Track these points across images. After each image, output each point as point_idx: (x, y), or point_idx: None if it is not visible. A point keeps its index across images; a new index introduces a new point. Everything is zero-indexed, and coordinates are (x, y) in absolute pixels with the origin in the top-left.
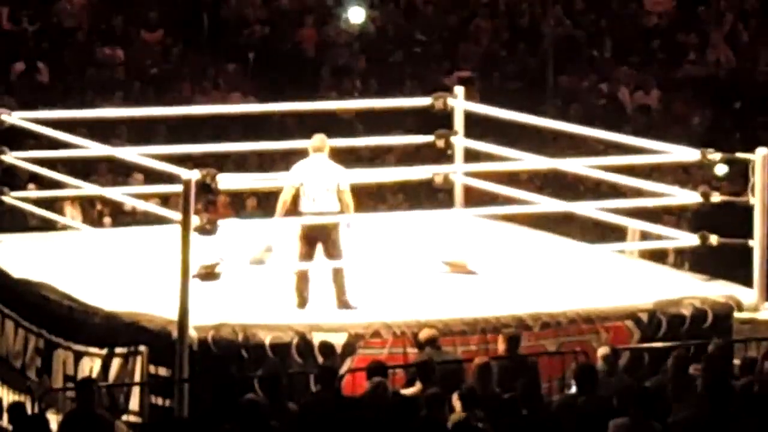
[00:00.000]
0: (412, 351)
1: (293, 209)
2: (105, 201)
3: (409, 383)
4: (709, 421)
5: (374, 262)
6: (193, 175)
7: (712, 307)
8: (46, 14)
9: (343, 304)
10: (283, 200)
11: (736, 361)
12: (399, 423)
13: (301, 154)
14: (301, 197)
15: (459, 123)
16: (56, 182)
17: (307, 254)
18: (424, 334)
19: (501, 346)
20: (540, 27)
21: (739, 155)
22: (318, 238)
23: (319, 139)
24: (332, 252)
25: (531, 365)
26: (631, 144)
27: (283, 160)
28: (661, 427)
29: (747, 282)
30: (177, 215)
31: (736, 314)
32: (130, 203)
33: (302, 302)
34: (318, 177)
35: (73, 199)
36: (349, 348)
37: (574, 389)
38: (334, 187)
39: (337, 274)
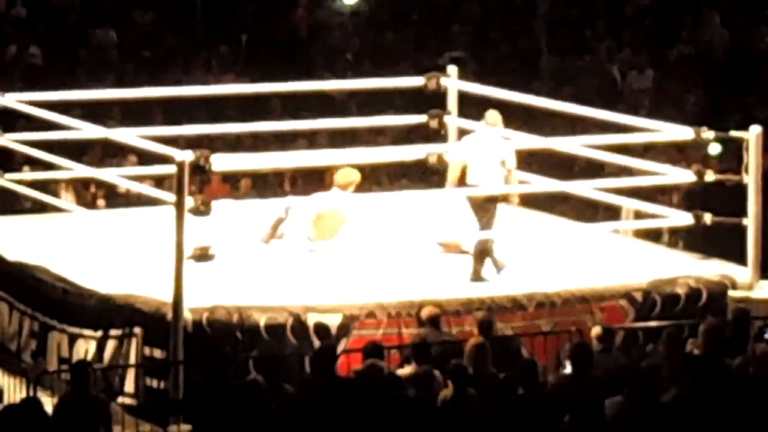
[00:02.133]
0: (406, 331)
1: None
2: (99, 183)
3: (405, 364)
4: (700, 400)
5: (368, 242)
6: (187, 156)
7: (707, 285)
8: None
9: (477, 276)
10: (452, 172)
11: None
12: (392, 403)
13: (294, 135)
14: (468, 170)
15: (452, 103)
16: (50, 164)
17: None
18: (426, 312)
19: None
20: (533, 6)
21: (733, 134)
22: (478, 210)
23: (491, 114)
24: (484, 225)
25: (511, 346)
26: (625, 123)
27: (276, 141)
28: (655, 406)
29: (741, 260)
30: (171, 196)
31: (731, 293)
32: (124, 185)
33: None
34: (485, 151)
35: (68, 182)
36: (344, 329)
37: (568, 369)
38: (499, 162)
39: (481, 248)
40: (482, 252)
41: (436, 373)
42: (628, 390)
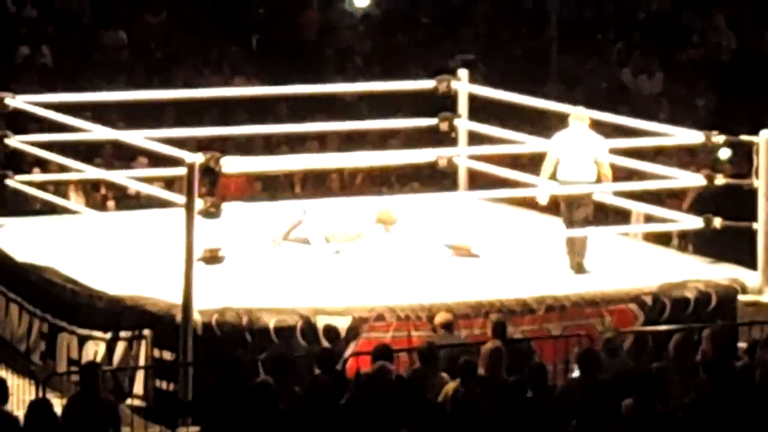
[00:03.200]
0: (416, 334)
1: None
2: (109, 184)
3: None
4: (711, 405)
5: (379, 244)
6: (197, 158)
7: (716, 289)
8: None
9: (579, 268)
10: (546, 168)
11: (742, 344)
12: (400, 405)
13: (305, 137)
14: (560, 165)
15: (463, 106)
16: (60, 166)
17: (567, 218)
18: (440, 318)
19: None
20: (544, 9)
21: (743, 138)
22: (572, 204)
23: (579, 109)
24: (580, 220)
25: (523, 349)
26: (635, 127)
27: (286, 144)
28: (664, 410)
29: (751, 265)
30: (181, 198)
31: (740, 297)
32: (134, 187)
33: (580, 268)
34: (578, 146)
35: (77, 183)
36: (353, 331)
37: (577, 373)
38: (592, 157)
39: (580, 241)
40: (582, 244)
41: (445, 375)
42: (636, 394)
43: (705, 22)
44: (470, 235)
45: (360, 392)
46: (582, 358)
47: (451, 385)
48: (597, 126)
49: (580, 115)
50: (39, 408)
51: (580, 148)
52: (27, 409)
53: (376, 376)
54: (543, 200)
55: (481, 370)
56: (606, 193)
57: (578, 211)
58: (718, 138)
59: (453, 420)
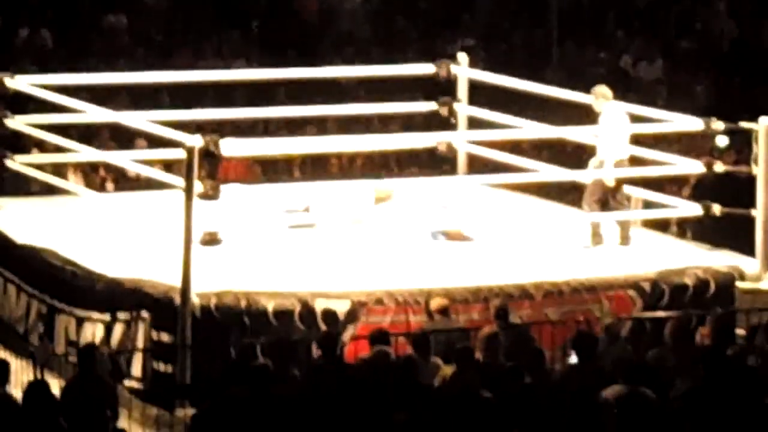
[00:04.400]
0: (414, 319)
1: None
2: (108, 166)
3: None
4: (706, 392)
5: (377, 229)
6: (196, 141)
7: (715, 276)
8: None
9: (626, 240)
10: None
11: (741, 331)
12: (397, 390)
13: (304, 121)
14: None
15: (462, 91)
16: (59, 147)
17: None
18: (435, 304)
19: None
20: None
21: (742, 125)
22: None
23: (601, 88)
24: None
25: (526, 334)
26: (635, 113)
27: (286, 127)
28: (656, 397)
29: (749, 252)
30: (180, 181)
31: (739, 284)
32: (133, 169)
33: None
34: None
35: (76, 165)
36: (352, 315)
37: (574, 358)
38: (628, 135)
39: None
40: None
41: (438, 361)
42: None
43: (705, 10)
44: (462, 218)
45: (359, 377)
46: (578, 342)
47: (447, 371)
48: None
49: (604, 94)
50: (37, 389)
51: (616, 128)
52: (25, 391)
53: (375, 361)
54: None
55: (478, 355)
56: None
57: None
58: (718, 125)
59: (449, 405)
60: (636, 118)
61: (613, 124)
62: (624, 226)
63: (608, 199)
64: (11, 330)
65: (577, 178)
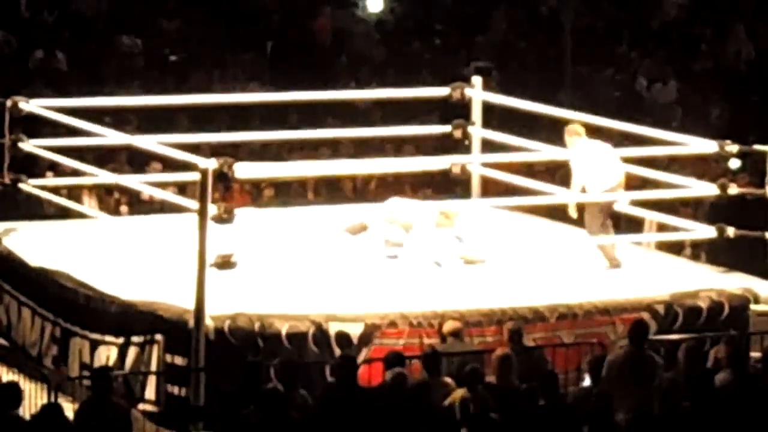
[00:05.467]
0: (428, 341)
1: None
2: (122, 189)
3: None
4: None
5: (390, 251)
6: (210, 163)
7: (729, 299)
8: (64, 3)
9: (614, 261)
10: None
11: (755, 354)
12: (412, 413)
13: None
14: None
15: (477, 113)
16: (74, 170)
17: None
18: (448, 327)
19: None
20: (559, 17)
21: (756, 147)
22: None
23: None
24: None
25: (538, 357)
26: (649, 135)
27: (299, 150)
28: (657, 358)
29: (763, 274)
30: (194, 204)
31: (753, 306)
32: (147, 192)
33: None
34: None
35: (91, 188)
36: (366, 338)
37: (588, 381)
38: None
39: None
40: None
41: (447, 380)
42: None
43: (721, 32)
44: (482, 243)
45: (377, 400)
46: (593, 365)
47: (458, 393)
48: (609, 135)
49: (576, 131)
50: (50, 412)
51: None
52: (38, 413)
53: (394, 384)
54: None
55: (491, 378)
56: (619, 203)
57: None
58: (731, 147)
59: (461, 427)
60: (650, 141)
61: (583, 157)
62: (606, 249)
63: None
64: (25, 353)
65: (590, 200)
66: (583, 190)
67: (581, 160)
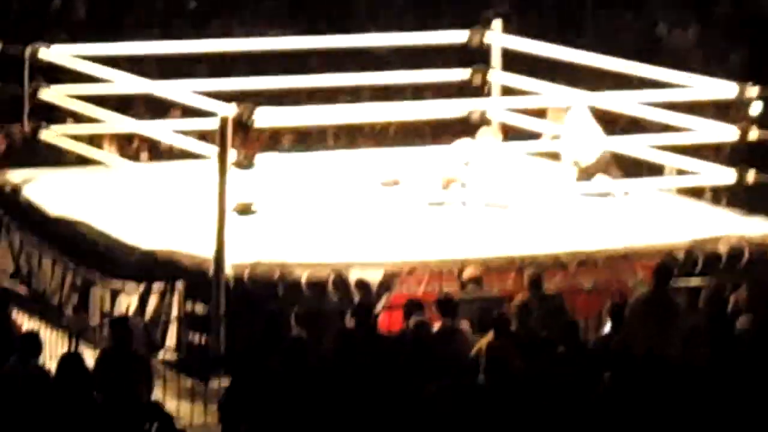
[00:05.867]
0: (448, 288)
1: None
2: (142, 137)
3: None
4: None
5: (410, 197)
6: (231, 110)
7: (750, 244)
8: None
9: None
10: None
11: None
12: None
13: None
14: None
15: (496, 58)
16: (94, 118)
17: None
18: (467, 273)
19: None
20: None
21: None
22: None
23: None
24: None
25: (558, 304)
26: (669, 80)
27: (320, 96)
28: (680, 302)
29: None
30: (214, 150)
31: None
32: (167, 139)
33: None
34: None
35: (111, 136)
36: (385, 285)
37: (608, 328)
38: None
39: None
40: None
41: (465, 326)
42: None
43: None
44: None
45: (400, 348)
46: (613, 312)
47: (484, 340)
48: (629, 80)
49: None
50: (70, 362)
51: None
52: (58, 363)
53: (416, 333)
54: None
55: (511, 325)
56: (639, 147)
57: None
58: (752, 91)
59: (486, 374)
60: (670, 85)
61: (577, 126)
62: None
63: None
64: (46, 302)
65: (611, 146)
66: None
67: (571, 134)
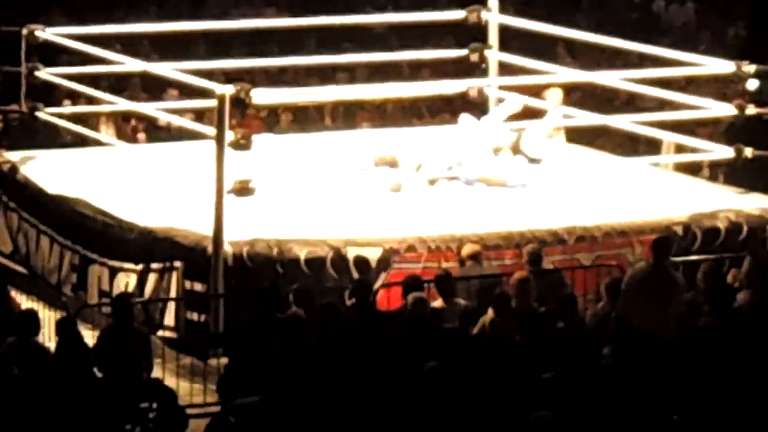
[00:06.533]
0: (447, 265)
1: None
2: (139, 117)
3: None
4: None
5: (410, 177)
6: (227, 89)
7: (747, 220)
8: None
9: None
10: None
11: None
12: (431, 337)
13: (334, 68)
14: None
15: (493, 36)
16: (91, 98)
17: None
18: (466, 250)
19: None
20: None
21: None
22: None
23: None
24: None
25: (557, 280)
26: (666, 56)
27: (317, 75)
28: (679, 276)
29: None
30: (211, 130)
31: None
32: (164, 118)
33: None
34: None
35: (108, 115)
36: (384, 262)
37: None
38: None
39: None
40: None
41: (461, 302)
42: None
43: None
44: (503, 166)
45: (398, 326)
46: (611, 286)
47: (487, 317)
48: (627, 56)
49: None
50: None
51: None
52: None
53: (414, 310)
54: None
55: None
56: (637, 124)
57: None
58: (749, 68)
59: (486, 350)
60: (667, 62)
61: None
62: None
63: None
64: (44, 281)
65: (608, 122)
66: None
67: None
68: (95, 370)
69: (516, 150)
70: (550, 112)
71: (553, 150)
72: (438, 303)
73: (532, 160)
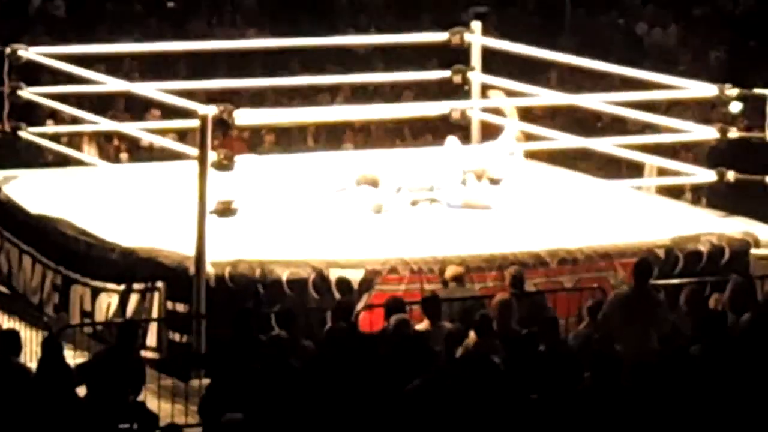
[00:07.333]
0: (429, 287)
1: None
2: (122, 137)
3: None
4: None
5: (391, 197)
6: (210, 110)
7: (729, 243)
8: None
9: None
10: None
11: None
12: (414, 358)
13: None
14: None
15: (476, 58)
16: (74, 118)
17: None
18: (450, 272)
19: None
20: None
21: (756, 91)
22: None
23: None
24: None
25: (539, 303)
26: (649, 80)
27: (299, 96)
28: (661, 298)
29: (764, 218)
30: (194, 151)
31: (753, 251)
32: (147, 139)
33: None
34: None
35: (91, 135)
36: (366, 284)
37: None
38: None
39: None
40: None
41: (447, 324)
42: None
43: None
44: (482, 190)
45: (381, 347)
46: (593, 310)
47: (470, 339)
48: (610, 79)
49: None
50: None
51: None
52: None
53: (397, 331)
54: None
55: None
56: (619, 147)
57: None
58: (732, 91)
59: (468, 373)
60: (650, 85)
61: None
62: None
63: None
64: (26, 301)
65: (590, 145)
66: None
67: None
68: (78, 389)
69: (480, 175)
70: (506, 126)
71: (514, 169)
72: (423, 325)
73: (494, 181)
